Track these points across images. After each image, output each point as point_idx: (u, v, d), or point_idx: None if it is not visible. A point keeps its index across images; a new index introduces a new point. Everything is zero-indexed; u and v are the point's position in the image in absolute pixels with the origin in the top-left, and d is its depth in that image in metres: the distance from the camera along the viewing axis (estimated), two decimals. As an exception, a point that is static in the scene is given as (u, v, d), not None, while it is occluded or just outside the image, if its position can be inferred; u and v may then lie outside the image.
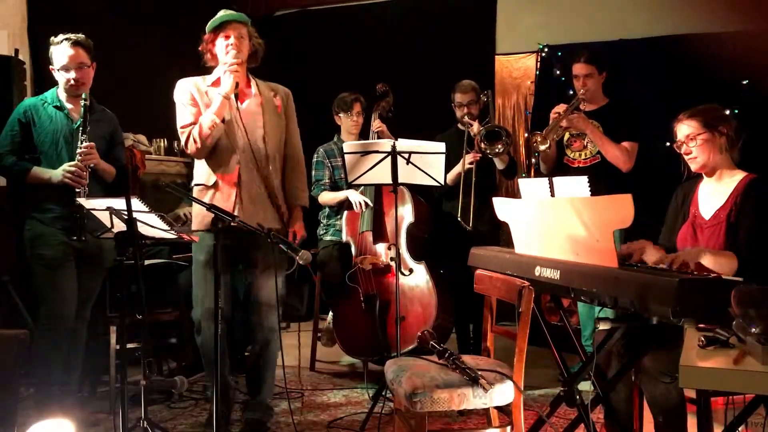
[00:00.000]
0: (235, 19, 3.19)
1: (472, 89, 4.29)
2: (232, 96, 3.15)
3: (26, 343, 2.54)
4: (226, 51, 3.15)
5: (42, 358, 3.14)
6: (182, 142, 3.24)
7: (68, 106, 3.28)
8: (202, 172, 3.24)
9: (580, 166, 3.90)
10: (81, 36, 3.25)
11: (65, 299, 3.21)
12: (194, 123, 3.16)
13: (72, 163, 3.14)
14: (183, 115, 3.22)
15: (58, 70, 3.23)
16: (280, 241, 2.78)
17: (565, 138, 3.96)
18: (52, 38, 3.25)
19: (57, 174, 3.13)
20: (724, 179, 2.58)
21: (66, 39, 3.21)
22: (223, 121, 3.14)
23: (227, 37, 3.16)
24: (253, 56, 3.27)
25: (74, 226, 3.08)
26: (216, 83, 3.22)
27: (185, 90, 3.24)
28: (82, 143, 3.15)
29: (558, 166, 3.98)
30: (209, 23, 3.22)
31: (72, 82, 3.21)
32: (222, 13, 3.22)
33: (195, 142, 3.13)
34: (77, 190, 3.10)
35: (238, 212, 3.07)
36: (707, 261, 2.25)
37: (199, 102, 3.21)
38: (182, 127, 3.21)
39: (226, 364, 3.34)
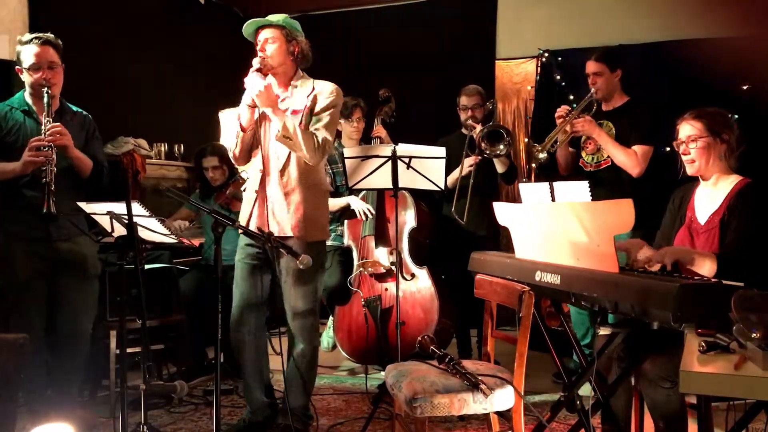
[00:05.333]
0: (259, 24, 3.11)
1: (477, 93, 4.32)
2: (265, 103, 3.03)
3: (26, 348, 2.53)
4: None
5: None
6: None
7: (36, 109, 3.12)
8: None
9: (591, 171, 3.83)
10: (50, 35, 3.11)
11: (31, 318, 3.08)
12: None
13: (33, 139, 2.95)
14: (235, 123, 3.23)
15: (26, 69, 3.07)
16: (279, 246, 2.77)
17: (582, 139, 3.92)
18: (19, 38, 3.12)
19: (20, 162, 2.94)
20: (720, 184, 2.58)
21: (35, 38, 3.06)
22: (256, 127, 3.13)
23: (256, 44, 3.12)
24: (297, 58, 3.15)
25: (42, 202, 2.85)
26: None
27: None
28: (47, 125, 2.96)
29: (574, 169, 3.92)
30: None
31: (42, 81, 3.02)
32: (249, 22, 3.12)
33: (233, 150, 3.19)
34: (43, 167, 2.90)
35: (254, 218, 3.13)
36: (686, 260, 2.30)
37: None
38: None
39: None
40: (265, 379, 3.32)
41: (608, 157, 3.80)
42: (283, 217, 3.11)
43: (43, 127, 2.99)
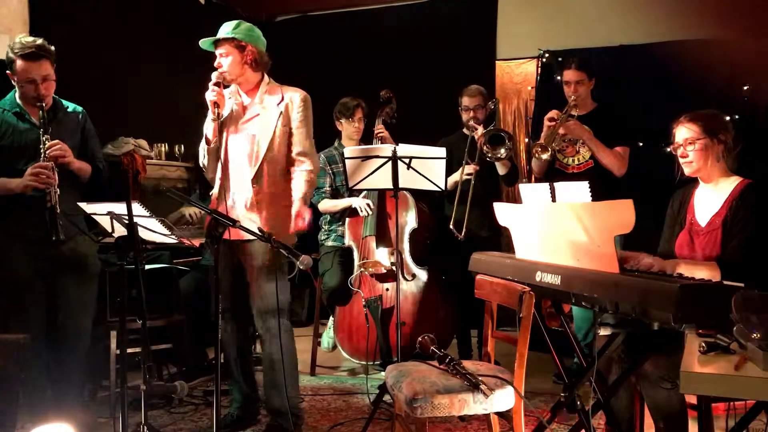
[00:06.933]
0: (212, 41, 3.17)
1: (479, 93, 4.32)
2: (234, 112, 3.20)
3: (27, 348, 2.53)
4: None
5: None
6: None
7: (28, 110, 3.10)
8: None
9: (575, 172, 3.90)
10: (40, 41, 3.03)
11: (31, 318, 3.08)
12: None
13: (36, 164, 2.95)
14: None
15: (19, 82, 3.04)
16: (280, 246, 2.78)
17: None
18: (10, 45, 3.04)
19: (20, 181, 2.95)
20: (720, 185, 2.58)
21: (30, 52, 2.98)
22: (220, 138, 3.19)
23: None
24: (252, 65, 3.17)
25: (49, 228, 2.91)
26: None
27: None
28: (46, 143, 2.97)
29: (549, 172, 3.96)
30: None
31: (36, 95, 3.00)
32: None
33: (201, 162, 3.31)
34: (47, 190, 2.92)
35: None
36: (683, 269, 2.29)
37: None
38: None
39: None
40: (248, 373, 3.41)
41: (591, 158, 3.88)
42: (250, 219, 3.14)
43: (42, 147, 2.98)
